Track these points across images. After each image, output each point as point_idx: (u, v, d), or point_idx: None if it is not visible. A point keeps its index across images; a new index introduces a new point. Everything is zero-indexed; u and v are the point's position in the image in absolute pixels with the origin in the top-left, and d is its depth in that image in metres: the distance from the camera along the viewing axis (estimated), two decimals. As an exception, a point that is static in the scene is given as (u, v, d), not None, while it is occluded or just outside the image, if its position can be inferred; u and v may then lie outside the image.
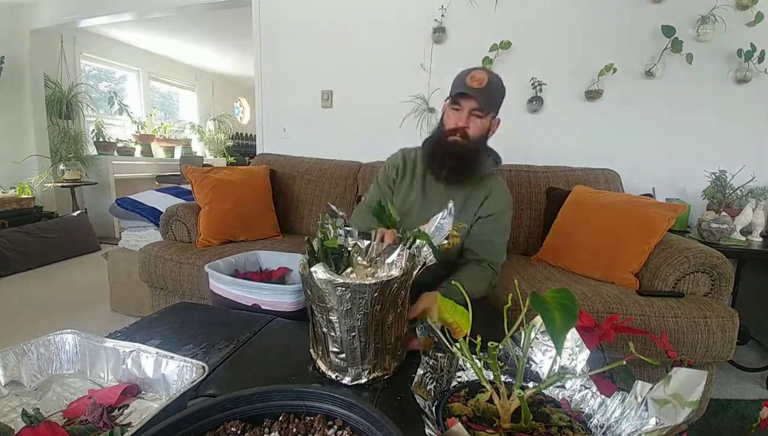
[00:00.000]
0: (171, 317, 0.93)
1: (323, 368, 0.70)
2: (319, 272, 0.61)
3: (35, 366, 0.63)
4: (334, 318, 0.64)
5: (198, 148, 5.43)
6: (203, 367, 0.57)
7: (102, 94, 4.29)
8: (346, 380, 0.67)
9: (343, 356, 0.66)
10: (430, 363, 0.56)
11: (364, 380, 0.67)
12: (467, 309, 0.55)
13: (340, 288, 0.61)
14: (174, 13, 3.02)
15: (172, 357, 0.60)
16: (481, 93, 0.96)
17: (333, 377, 0.68)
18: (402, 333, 0.71)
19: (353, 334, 0.64)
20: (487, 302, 1.11)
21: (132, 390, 0.61)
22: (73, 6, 3.16)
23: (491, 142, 1.12)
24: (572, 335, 0.55)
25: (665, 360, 1.17)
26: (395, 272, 0.67)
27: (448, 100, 1.05)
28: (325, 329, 0.66)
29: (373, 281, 0.61)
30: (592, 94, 2.01)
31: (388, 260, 0.72)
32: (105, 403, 0.56)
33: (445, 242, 0.85)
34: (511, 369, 0.59)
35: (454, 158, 1.02)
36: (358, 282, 0.60)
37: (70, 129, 3.71)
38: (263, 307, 0.98)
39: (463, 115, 1.00)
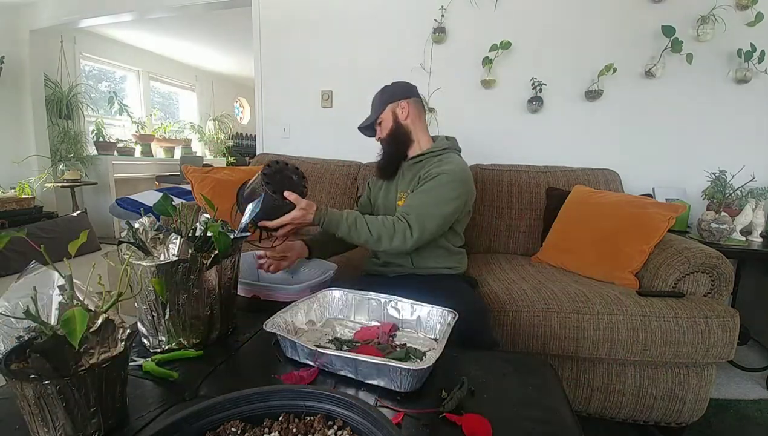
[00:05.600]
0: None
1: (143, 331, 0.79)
2: (123, 249, 0.74)
3: (318, 312, 0.92)
4: (135, 291, 0.75)
5: (198, 148, 5.43)
6: (454, 313, 0.83)
7: (102, 94, 4.29)
8: (151, 348, 0.78)
9: (143, 325, 0.78)
10: None
11: (159, 349, 0.76)
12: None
13: (130, 265, 0.72)
14: (174, 13, 3.02)
15: (422, 305, 0.88)
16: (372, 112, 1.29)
17: (145, 342, 0.79)
18: (203, 314, 0.79)
19: (144, 307, 0.75)
20: (458, 276, 1.25)
21: (393, 328, 0.88)
22: (73, 6, 3.16)
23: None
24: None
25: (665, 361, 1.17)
26: (172, 257, 0.74)
27: None
28: (136, 304, 0.78)
29: (148, 264, 0.72)
30: (592, 94, 2.01)
31: (170, 247, 0.77)
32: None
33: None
34: None
35: (381, 160, 1.30)
36: (136, 262, 0.72)
37: (70, 129, 3.71)
38: (262, 298, 0.99)
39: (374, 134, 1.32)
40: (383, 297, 0.92)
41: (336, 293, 0.95)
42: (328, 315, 0.94)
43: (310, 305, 0.90)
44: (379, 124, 1.26)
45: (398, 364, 0.63)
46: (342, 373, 0.69)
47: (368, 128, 1.31)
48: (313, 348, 0.69)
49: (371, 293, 0.94)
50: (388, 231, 1.07)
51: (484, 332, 1.05)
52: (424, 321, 0.88)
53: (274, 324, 0.77)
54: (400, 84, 1.28)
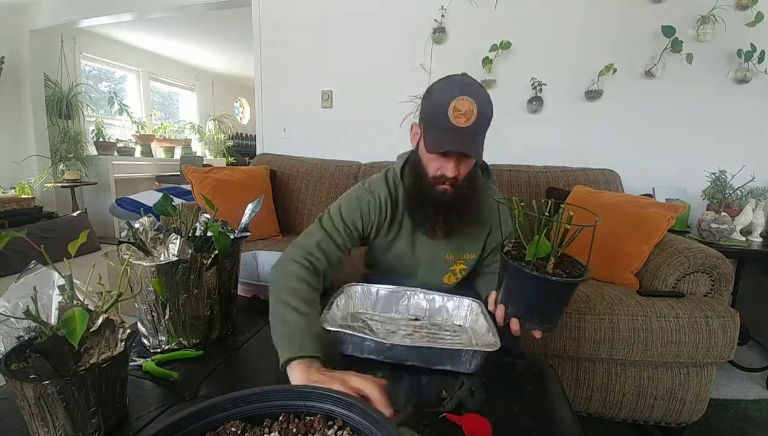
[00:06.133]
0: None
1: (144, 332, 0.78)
2: (123, 249, 0.73)
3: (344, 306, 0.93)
4: (135, 291, 0.74)
5: (198, 148, 5.42)
6: (479, 302, 0.86)
7: (102, 94, 4.29)
8: (151, 348, 0.77)
9: (143, 325, 0.77)
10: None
11: (160, 349, 0.76)
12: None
13: (130, 265, 0.70)
14: (174, 13, 3.02)
15: (445, 295, 0.90)
16: (471, 136, 0.76)
17: (145, 342, 0.78)
18: (203, 314, 0.77)
19: (144, 307, 0.75)
20: None
21: None
22: (73, 6, 3.16)
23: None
24: None
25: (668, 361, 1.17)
26: (172, 257, 0.74)
27: (421, 129, 0.83)
28: (136, 304, 0.77)
29: (148, 264, 0.71)
30: (592, 94, 2.01)
31: (170, 247, 0.76)
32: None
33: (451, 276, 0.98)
34: None
35: (446, 210, 0.84)
36: (136, 262, 0.71)
37: (70, 129, 3.70)
38: (262, 298, 0.99)
39: (450, 163, 0.80)
40: (408, 290, 0.92)
41: (358, 288, 0.93)
42: (350, 310, 0.91)
43: (340, 300, 0.88)
44: (470, 157, 0.80)
45: (473, 348, 0.68)
46: (408, 363, 0.71)
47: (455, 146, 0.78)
48: (388, 342, 0.69)
49: (392, 286, 0.91)
50: None
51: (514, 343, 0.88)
52: (451, 310, 0.90)
53: (332, 322, 0.76)
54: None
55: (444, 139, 0.77)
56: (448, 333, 0.85)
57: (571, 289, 0.64)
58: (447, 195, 0.82)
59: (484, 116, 0.76)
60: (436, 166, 0.82)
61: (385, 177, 0.96)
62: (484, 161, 0.94)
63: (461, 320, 0.89)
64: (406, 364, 0.71)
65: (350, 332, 0.71)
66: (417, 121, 0.89)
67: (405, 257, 0.97)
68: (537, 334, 0.68)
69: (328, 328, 0.72)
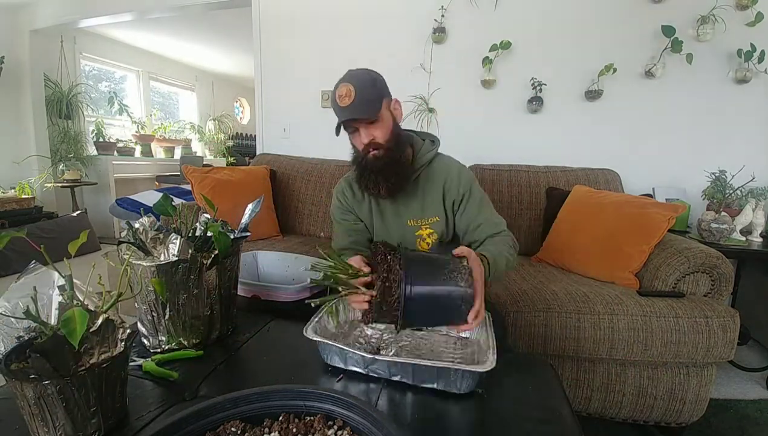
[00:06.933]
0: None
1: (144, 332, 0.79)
2: (123, 249, 0.74)
3: (343, 314, 0.88)
4: (135, 291, 0.75)
5: (198, 148, 5.42)
6: (488, 314, 0.81)
7: (102, 94, 4.29)
8: (151, 348, 0.78)
9: (143, 325, 0.77)
10: None
11: (160, 349, 0.77)
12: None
13: (130, 265, 0.71)
14: (174, 13, 3.02)
15: None
16: (355, 108, 0.91)
17: (145, 342, 0.78)
18: (203, 314, 0.79)
19: (144, 307, 0.75)
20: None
21: None
22: (73, 6, 3.16)
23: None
24: None
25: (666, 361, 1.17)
26: (172, 257, 0.74)
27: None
28: (136, 304, 0.77)
29: (148, 264, 0.71)
30: (592, 94, 2.01)
31: (170, 247, 0.76)
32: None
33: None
34: None
35: (383, 173, 0.97)
36: (136, 262, 0.71)
37: (70, 129, 3.70)
38: (262, 298, 0.99)
39: (359, 134, 0.96)
40: None
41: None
42: (352, 317, 0.90)
43: (336, 305, 0.85)
44: (373, 121, 0.95)
45: (461, 367, 0.63)
46: (395, 378, 0.68)
47: (349, 121, 0.95)
48: (369, 356, 0.66)
49: None
50: (515, 248, 1.01)
51: (504, 338, 0.98)
52: None
53: (314, 331, 0.74)
54: (378, 75, 0.99)
55: (339, 117, 0.95)
56: (451, 347, 0.81)
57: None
58: (379, 159, 0.96)
59: (362, 87, 0.92)
60: (358, 142, 0.99)
61: (343, 179, 1.15)
62: (430, 133, 1.14)
63: (469, 332, 0.85)
64: (392, 379, 0.68)
65: (330, 343, 0.69)
66: None
67: (382, 233, 1.09)
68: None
69: (312, 337, 0.70)
